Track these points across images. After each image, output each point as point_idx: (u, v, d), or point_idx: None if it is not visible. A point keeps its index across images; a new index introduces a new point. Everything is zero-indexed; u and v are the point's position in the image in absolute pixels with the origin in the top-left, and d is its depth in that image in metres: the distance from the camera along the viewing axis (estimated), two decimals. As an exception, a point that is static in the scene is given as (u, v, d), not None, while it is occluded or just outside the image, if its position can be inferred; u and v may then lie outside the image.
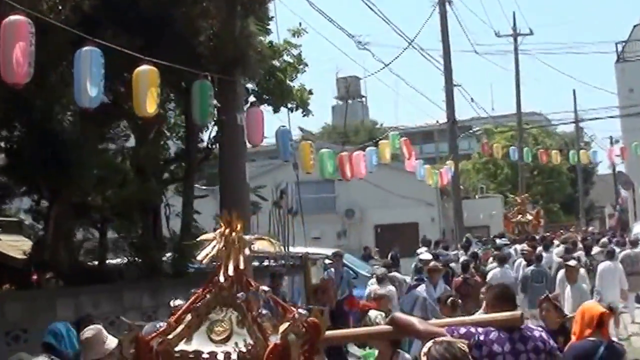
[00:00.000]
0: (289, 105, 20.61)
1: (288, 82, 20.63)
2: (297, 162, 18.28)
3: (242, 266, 3.94)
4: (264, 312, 3.93)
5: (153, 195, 16.37)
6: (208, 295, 4.00)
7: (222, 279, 3.92)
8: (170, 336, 3.89)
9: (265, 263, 20.11)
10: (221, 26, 13.60)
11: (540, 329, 5.68)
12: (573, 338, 7.22)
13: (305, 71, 20.91)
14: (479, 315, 7.01)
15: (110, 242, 15.94)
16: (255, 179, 23.27)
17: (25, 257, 13.26)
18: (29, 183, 12.85)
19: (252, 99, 18.09)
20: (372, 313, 10.03)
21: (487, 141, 39.29)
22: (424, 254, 21.70)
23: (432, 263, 16.66)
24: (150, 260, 15.87)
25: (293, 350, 3.85)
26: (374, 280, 17.86)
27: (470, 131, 46.05)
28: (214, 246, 4.04)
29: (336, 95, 67.04)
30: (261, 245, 4.25)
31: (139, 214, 16.67)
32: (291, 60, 20.81)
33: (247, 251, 4.06)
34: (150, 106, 11.17)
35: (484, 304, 7.16)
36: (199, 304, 3.99)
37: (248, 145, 14.78)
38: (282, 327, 3.87)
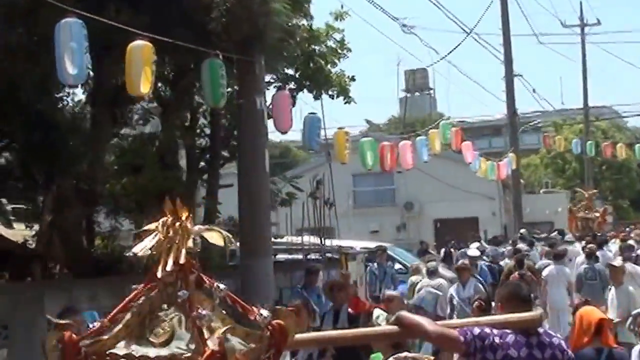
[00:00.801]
0: (330, 92, 19.36)
1: (330, 68, 19.30)
2: (329, 152, 16.99)
3: (182, 260, 3.51)
4: (203, 312, 3.45)
5: (177, 184, 15.25)
6: (152, 293, 3.56)
7: (159, 274, 3.49)
8: (104, 337, 3.47)
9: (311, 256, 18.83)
10: (236, 1, 12.33)
11: (559, 335, 5.22)
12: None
13: (347, 57, 19.56)
14: (497, 316, 5.92)
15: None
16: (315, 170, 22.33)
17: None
18: (23, 168, 11.81)
19: (287, 85, 16.88)
20: (376, 312, 8.77)
21: (547, 134, 37.27)
22: (471, 249, 20.32)
23: (460, 261, 15.35)
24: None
25: (237, 356, 3.42)
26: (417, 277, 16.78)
27: (531, 123, 43.96)
28: (153, 238, 3.59)
29: (403, 87, 65.43)
30: (212, 238, 3.71)
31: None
32: (334, 45, 19.47)
33: (190, 243, 3.60)
34: (144, 85, 10.07)
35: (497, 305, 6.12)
36: (141, 301, 3.54)
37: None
38: (219, 332, 3.44)
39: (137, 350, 3.41)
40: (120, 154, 14.74)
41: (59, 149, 10.87)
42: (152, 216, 10.87)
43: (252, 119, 13.37)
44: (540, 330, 4.88)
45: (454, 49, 36.59)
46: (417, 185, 37.31)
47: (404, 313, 4.80)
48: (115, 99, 13.25)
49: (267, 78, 18.56)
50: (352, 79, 19.75)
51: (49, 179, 11.48)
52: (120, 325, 3.49)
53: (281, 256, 18.42)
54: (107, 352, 3.44)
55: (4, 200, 14.39)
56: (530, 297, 5.84)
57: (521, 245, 23.92)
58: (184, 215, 3.67)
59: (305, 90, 19.04)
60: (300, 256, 17.90)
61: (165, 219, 3.69)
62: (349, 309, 10.46)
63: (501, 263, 20.89)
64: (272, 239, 18.84)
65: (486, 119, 57.07)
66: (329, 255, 18.22)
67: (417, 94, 66.12)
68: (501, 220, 38.03)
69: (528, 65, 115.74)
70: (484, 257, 21.38)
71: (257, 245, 13.30)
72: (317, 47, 19.09)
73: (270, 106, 13.81)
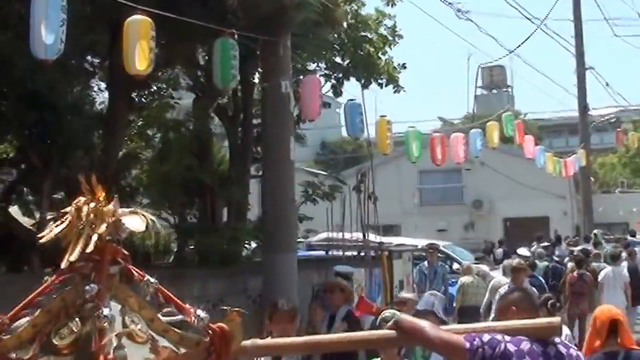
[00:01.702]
0: (380, 81, 18.17)
1: (380, 55, 18.09)
2: (370, 141, 15.79)
3: (89, 248, 3.00)
4: (106, 312, 2.98)
5: (206, 175, 14.21)
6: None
7: (64, 264, 3.05)
8: (4, 337, 3.05)
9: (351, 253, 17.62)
10: (254, -23, 11.26)
11: (575, 347, 4.60)
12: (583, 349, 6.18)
13: (397, 43, 18.29)
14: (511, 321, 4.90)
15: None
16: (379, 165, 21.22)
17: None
18: (20, 152, 10.92)
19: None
20: (388, 313, 7.50)
21: (620, 130, 35.16)
22: (522, 249, 18.93)
23: (515, 261, 14.00)
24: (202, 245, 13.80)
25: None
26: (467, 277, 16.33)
27: (606, 118, 41.69)
28: (63, 222, 3.13)
29: (480, 84, 63.48)
30: (130, 222, 3.17)
31: (190, 195, 14.65)
32: (384, 32, 18.25)
33: (103, 227, 3.05)
34: (140, 63, 9.03)
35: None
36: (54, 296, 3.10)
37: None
38: (112, 337, 2.98)
39: (41, 353, 3.00)
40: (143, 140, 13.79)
41: (55, 131, 9.92)
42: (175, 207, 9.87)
43: (276, 103, 12.32)
44: (557, 340, 4.27)
45: (524, 41, 34.72)
46: (486, 183, 35.94)
47: (404, 316, 4.31)
48: (132, 83, 12.28)
49: (313, 66, 17.66)
50: (403, 66, 18.53)
51: (46, 164, 10.54)
52: (25, 325, 3.06)
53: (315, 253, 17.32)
54: (8, 355, 3.04)
55: (25, 189, 13.54)
56: (536, 306, 5.21)
57: (588, 246, 22.46)
58: (101, 196, 3.18)
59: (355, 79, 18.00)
60: (340, 253, 16.65)
61: (78, 200, 3.21)
62: (354, 312, 9.30)
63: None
64: (303, 234, 17.92)
65: (562, 115, 54.86)
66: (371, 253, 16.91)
67: (494, 91, 64.12)
68: (573, 220, 36.16)
69: (601, 58, 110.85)
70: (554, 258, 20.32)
71: (280, 240, 12.22)
72: (367, 34, 17.95)
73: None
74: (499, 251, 25.85)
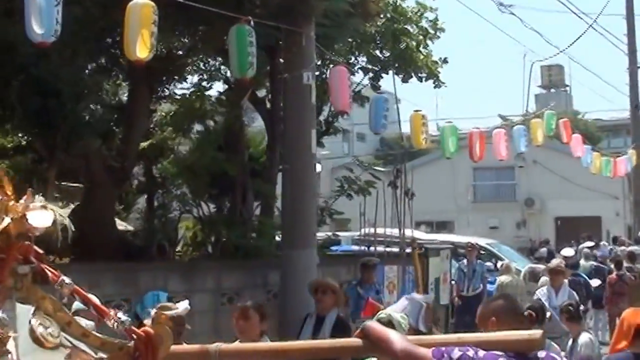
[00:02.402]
0: (420, 75, 17.50)
1: (422, 50, 17.41)
2: (402, 135, 15.11)
3: None
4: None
5: (231, 167, 13.72)
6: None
7: None
8: None
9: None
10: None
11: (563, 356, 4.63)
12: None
13: (439, 37, 17.57)
14: (486, 334, 4.48)
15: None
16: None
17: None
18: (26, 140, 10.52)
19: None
20: (383, 314, 6.81)
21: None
22: (567, 249, 18.05)
23: (554, 262, 13.21)
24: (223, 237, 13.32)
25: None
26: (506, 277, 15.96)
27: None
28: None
29: (539, 83, 62.04)
30: (35, 218, 2.75)
31: (221, 187, 14.18)
32: (426, 25, 17.56)
33: (5, 223, 2.70)
34: (141, 49, 8.46)
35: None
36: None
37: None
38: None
39: None
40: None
41: (59, 118, 9.48)
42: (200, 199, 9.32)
43: (297, 95, 11.75)
44: (541, 354, 3.86)
45: (576, 40, 33.47)
46: (538, 181, 35.01)
47: (372, 323, 3.91)
48: (152, 72, 11.84)
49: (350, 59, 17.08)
50: (445, 61, 17.81)
51: (51, 152, 10.13)
52: None
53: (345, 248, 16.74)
54: None
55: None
56: (522, 313, 4.72)
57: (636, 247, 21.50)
58: (9, 191, 2.82)
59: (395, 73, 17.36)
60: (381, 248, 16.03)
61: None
62: (362, 313, 8.64)
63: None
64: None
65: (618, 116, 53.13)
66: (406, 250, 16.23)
67: (552, 90, 62.61)
68: (625, 221, 34.87)
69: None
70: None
71: (298, 235, 11.67)
72: (407, 27, 17.27)
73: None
74: (543, 250, 24.94)
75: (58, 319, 2.84)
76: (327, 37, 13.14)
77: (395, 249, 16.59)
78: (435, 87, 17.63)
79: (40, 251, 2.86)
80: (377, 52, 17.46)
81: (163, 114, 14.87)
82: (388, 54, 17.39)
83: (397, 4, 17.01)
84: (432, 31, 17.60)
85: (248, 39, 9.99)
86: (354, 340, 3.80)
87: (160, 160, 14.31)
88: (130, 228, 14.39)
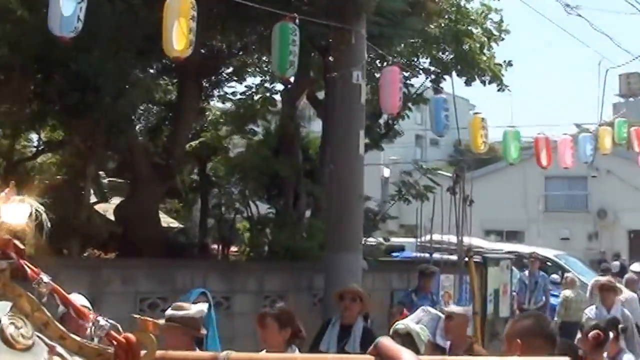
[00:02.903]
0: (483, 79, 16.88)
1: (485, 51, 16.82)
2: (460, 140, 14.54)
3: None
4: None
5: (281, 167, 13.39)
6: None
7: None
8: None
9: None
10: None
11: None
12: None
13: (503, 39, 16.92)
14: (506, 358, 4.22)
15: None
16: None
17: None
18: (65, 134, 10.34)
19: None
20: (401, 325, 6.34)
21: None
22: (636, 264, 17.17)
23: (604, 279, 12.45)
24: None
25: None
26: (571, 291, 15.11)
27: None
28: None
29: (617, 92, 60.28)
30: (7, 213, 2.51)
31: (274, 187, 13.89)
32: (491, 27, 16.96)
33: None
34: (178, 43, 8.14)
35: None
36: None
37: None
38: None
39: None
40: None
41: (98, 113, 9.27)
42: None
43: (346, 94, 11.32)
44: None
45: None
46: (612, 192, 33.80)
47: (385, 340, 3.34)
48: (201, 70, 11.60)
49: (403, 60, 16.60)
50: (509, 64, 17.16)
51: (90, 147, 9.92)
52: None
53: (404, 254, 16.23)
54: None
55: (101, 174, 13.08)
56: (554, 336, 4.15)
57: None
58: None
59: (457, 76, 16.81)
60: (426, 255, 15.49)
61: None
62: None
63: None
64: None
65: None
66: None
67: (631, 99, 60.78)
68: (703, 236, 33.49)
69: None
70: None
71: (343, 238, 11.23)
72: (471, 28, 16.71)
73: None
74: (616, 264, 23.92)
75: (35, 320, 2.59)
76: (383, 36, 12.70)
77: (455, 257, 16.08)
78: (498, 91, 16.96)
79: (21, 246, 2.61)
80: (439, 53, 16.91)
81: (217, 112, 14.61)
82: (450, 56, 16.83)
83: (461, 4, 16.44)
84: (496, 33, 16.98)
85: (291, 37, 9.65)
86: (366, 357, 3.38)
87: (213, 159, 14.04)
88: (176, 225, 14.17)
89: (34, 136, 11.85)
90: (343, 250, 11.18)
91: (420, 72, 17.15)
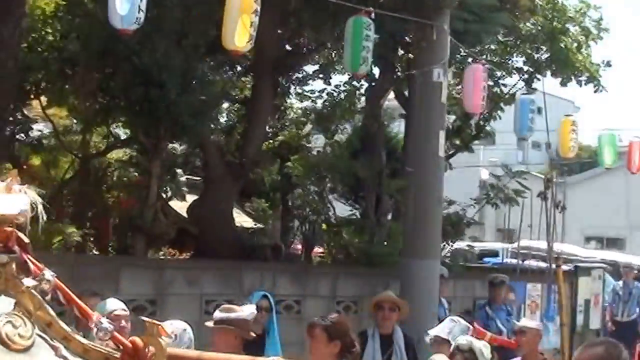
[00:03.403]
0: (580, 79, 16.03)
1: (584, 51, 15.93)
2: (549, 143, 13.78)
3: None
4: None
5: (360, 168, 12.94)
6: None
7: None
8: None
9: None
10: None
11: None
12: None
13: (601, 38, 16.00)
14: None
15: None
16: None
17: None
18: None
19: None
20: (463, 341, 5.86)
21: None
22: None
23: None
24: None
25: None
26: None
27: None
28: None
29: None
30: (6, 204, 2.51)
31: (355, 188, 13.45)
32: (589, 25, 16.07)
33: None
34: (239, 38, 7.80)
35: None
36: None
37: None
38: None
39: None
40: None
41: (161, 109, 8.99)
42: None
43: (425, 92, 10.78)
44: None
45: None
46: None
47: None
48: (278, 66, 11.26)
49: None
50: (608, 64, 16.23)
51: (155, 144, 9.66)
52: None
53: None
54: None
55: (179, 171, 12.88)
56: None
57: None
58: None
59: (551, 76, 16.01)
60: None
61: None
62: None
63: None
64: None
65: None
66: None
67: None
68: None
69: None
70: None
71: (420, 244, 10.69)
72: (568, 26, 15.86)
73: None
74: None
75: (37, 319, 2.49)
76: (468, 33, 12.07)
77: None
78: (595, 92, 16.04)
79: (26, 239, 2.53)
80: (533, 52, 16.11)
81: (299, 110, 14.25)
82: (545, 55, 16.01)
83: (557, 1, 15.59)
84: (594, 31, 16.04)
85: (365, 32, 9.20)
86: None
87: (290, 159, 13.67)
88: (251, 225, 13.84)
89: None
90: (419, 256, 10.65)
91: (514, 71, 16.41)
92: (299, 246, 16.20)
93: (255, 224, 13.60)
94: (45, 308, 2.56)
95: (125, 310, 5.71)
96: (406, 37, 12.10)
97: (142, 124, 9.55)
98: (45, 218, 2.78)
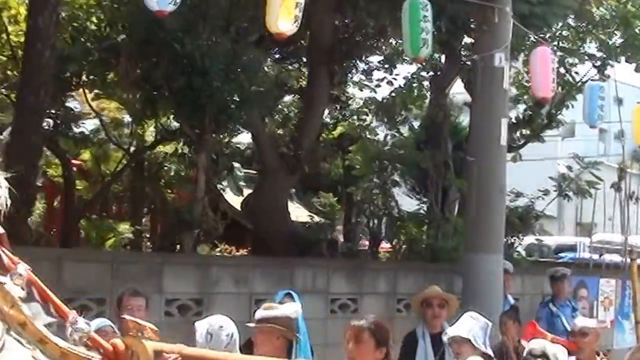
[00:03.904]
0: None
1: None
2: (622, 131, 12.98)
3: None
4: None
5: (423, 159, 12.38)
6: None
7: None
8: None
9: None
10: None
11: None
12: None
13: (680, 20, 15.06)
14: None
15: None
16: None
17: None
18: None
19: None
20: (536, 345, 5.38)
21: None
22: None
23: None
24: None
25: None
26: None
27: None
28: None
29: None
30: None
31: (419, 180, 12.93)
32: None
33: None
34: (283, 21, 7.30)
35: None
36: None
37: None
38: None
39: None
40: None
41: (204, 98, 8.58)
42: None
43: (487, 78, 10.15)
44: None
45: None
46: None
47: None
48: (333, 54, 10.79)
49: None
50: (684, 49, 15.25)
51: (200, 135, 9.25)
52: None
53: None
54: None
55: (236, 165, 12.52)
56: None
57: None
58: None
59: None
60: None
61: None
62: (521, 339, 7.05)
63: None
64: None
65: None
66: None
67: None
68: None
69: None
70: None
71: (482, 238, 10.07)
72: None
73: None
74: None
75: (9, 318, 2.32)
76: (534, 16, 11.38)
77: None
78: (671, 78, 15.12)
79: (1, 230, 2.36)
80: (606, 38, 15.27)
81: (359, 100, 13.72)
82: (619, 40, 15.17)
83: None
84: (674, 12, 15.13)
85: (422, 13, 8.62)
86: None
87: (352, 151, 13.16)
88: (305, 220, 13.37)
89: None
90: (481, 250, 10.04)
91: (586, 58, 15.59)
92: (366, 242, 15.74)
93: (319, 219, 13.08)
94: (19, 307, 2.36)
95: (112, 326, 5.29)
96: (470, 21, 11.50)
97: (186, 114, 9.16)
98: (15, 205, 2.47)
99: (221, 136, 10.38)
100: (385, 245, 15.15)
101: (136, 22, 8.69)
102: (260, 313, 5.12)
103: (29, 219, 8.40)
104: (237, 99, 8.82)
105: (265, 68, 10.75)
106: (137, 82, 9.07)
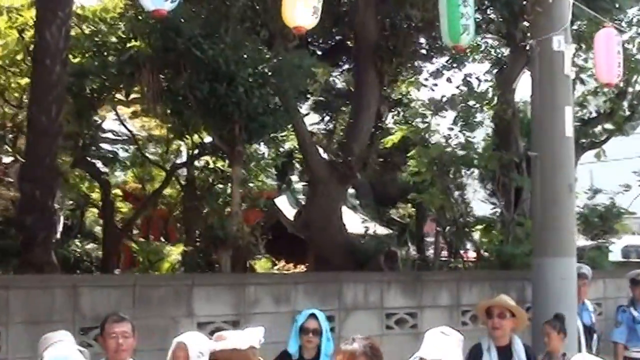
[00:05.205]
0: None
1: None
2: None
3: None
4: None
5: (490, 161, 11.38)
6: None
7: None
8: None
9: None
10: None
11: None
12: None
13: None
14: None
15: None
16: None
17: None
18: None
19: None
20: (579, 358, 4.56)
21: None
22: None
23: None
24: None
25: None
26: None
27: None
28: None
29: None
30: None
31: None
32: None
33: None
34: (301, 15, 6.52)
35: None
36: None
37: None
38: None
39: None
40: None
41: (231, 106, 7.84)
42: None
43: (546, 64, 9.11)
44: None
45: None
46: None
47: None
48: (379, 50, 9.95)
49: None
50: None
51: (232, 147, 8.49)
52: None
53: None
54: None
55: (294, 178, 11.79)
56: None
57: None
58: None
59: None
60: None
61: None
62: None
63: None
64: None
65: None
66: None
67: None
68: None
69: None
70: None
71: (550, 240, 9.00)
72: None
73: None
74: None
75: None
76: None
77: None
78: None
79: None
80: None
81: (419, 102, 12.77)
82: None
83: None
84: None
85: (460, -1, 7.66)
86: None
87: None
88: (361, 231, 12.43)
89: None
90: (551, 253, 8.97)
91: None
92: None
93: (374, 231, 12.13)
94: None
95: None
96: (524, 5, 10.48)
97: (214, 124, 8.44)
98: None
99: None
100: (472, 255, 14.10)
101: (153, 31, 8.04)
102: (211, 345, 4.18)
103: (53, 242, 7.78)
104: (270, 106, 8.03)
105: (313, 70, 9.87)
106: (161, 93, 8.40)
